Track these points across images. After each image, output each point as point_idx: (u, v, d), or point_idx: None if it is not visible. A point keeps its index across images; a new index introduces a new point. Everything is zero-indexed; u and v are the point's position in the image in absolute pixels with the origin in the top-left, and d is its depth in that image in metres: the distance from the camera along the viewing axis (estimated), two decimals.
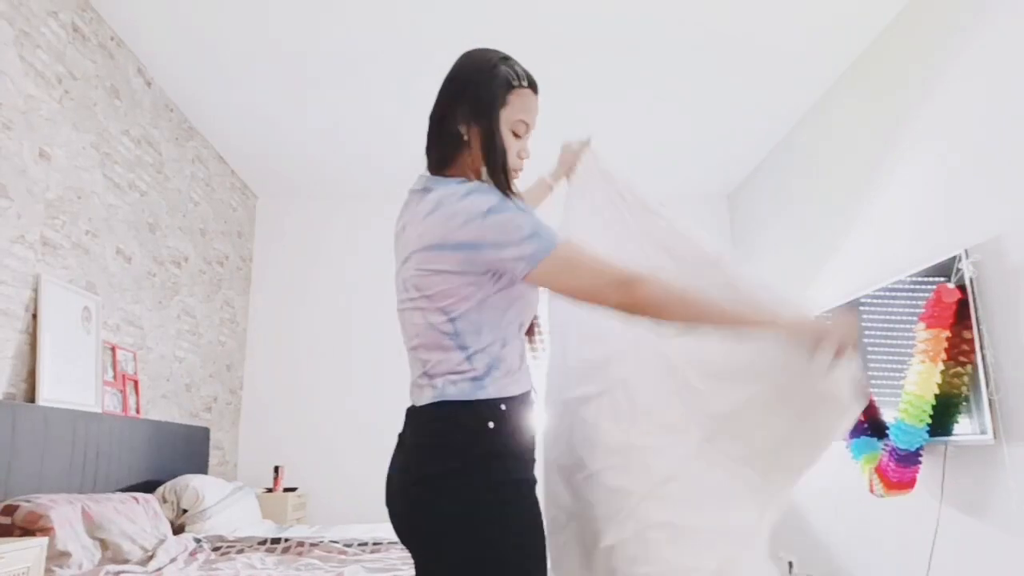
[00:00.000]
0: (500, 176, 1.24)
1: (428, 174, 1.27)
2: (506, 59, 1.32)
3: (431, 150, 1.29)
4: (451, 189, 1.19)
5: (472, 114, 1.25)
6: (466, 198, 1.17)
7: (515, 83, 1.29)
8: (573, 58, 3.30)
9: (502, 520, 1.16)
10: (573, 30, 3.09)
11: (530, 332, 1.38)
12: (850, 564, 3.34)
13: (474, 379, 1.21)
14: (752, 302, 1.20)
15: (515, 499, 1.19)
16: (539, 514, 1.23)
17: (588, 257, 1.18)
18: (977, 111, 2.51)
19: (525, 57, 3.80)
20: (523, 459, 1.24)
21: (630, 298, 1.16)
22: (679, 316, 1.18)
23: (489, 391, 1.20)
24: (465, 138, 1.25)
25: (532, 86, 1.34)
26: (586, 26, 3.07)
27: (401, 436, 1.28)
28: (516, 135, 1.30)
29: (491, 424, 1.18)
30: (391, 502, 1.26)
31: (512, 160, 1.29)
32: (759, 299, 1.21)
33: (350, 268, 4.83)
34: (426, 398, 1.22)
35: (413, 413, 1.25)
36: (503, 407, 1.21)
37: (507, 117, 1.28)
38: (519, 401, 1.25)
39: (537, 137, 3.87)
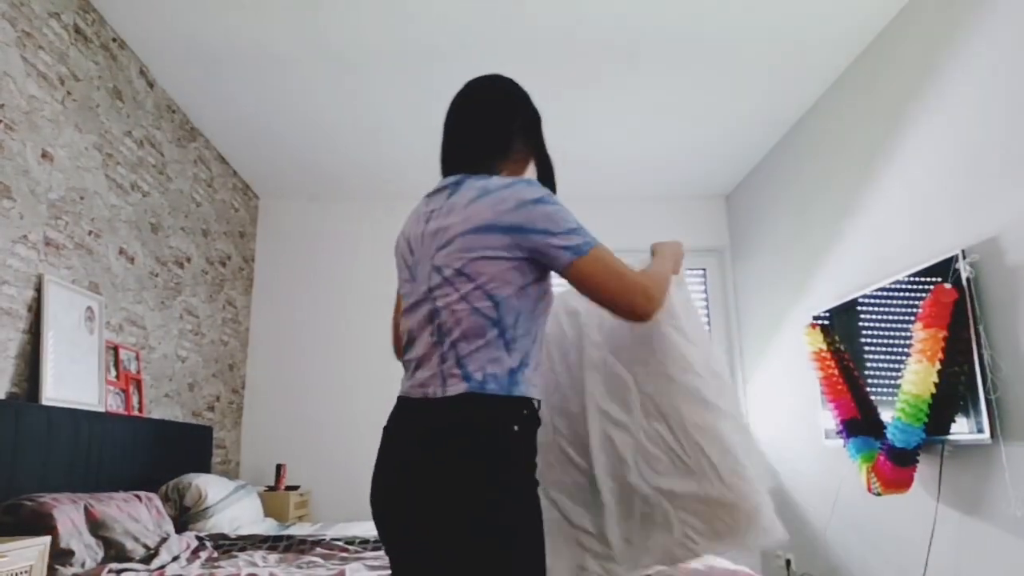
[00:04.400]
0: (549, 184, 1.41)
1: (456, 175, 1.35)
2: None
3: (480, 154, 1.37)
4: (493, 181, 1.27)
5: (526, 131, 1.40)
6: (513, 186, 1.25)
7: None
8: (571, 59, 3.31)
9: (517, 524, 1.20)
10: (571, 31, 3.10)
11: None
12: (847, 562, 3.35)
13: (511, 371, 1.24)
14: (659, 269, 1.41)
15: (529, 504, 1.23)
16: (541, 521, 1.26)
17: (620, 263, 1.27)
18: (974, 112, 2.52)
19: (523, 58, 3.83)
20: (534, 466, 1.28)
21: (652, 304, 1.26)
22: (662, 296, 1.30)
23: (521, 388, 1.25)
24: (515, 150, 1.39)
25: None
26: (584, 27, 3.08)
27: (409, 425, 1.27)
28: None
29: (516, 427, 1.22)
30: (402, 492, 1.23)
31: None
32: (659, 268, 1.42)
33: (351, 268, 4.85)
34: (457, 388, 1.22)
35: (436, 403, 1.23)
36: (525, 411, 1.25)
37: None
38: (535, 408, 1.29)
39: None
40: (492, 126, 1.38)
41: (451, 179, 1.35)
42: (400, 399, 1.33)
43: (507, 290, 1.24)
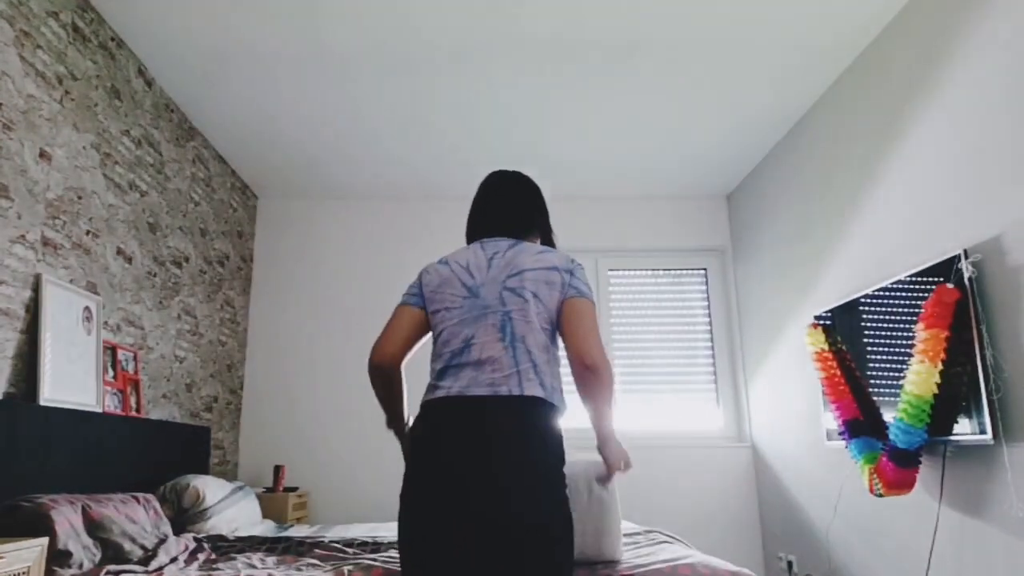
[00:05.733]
0: (551, 245, 1.91)
1: (505, 238, 1.79)
2: None
3: (519, 227, 1.82)
4: (545, 247, 1.76)
5: (543, 219, 1.89)
6: (564, 253, 1.73)
7: None
8: (572, 60, 3.30)
9: (571, 517, 1.50)
10: (571, 31, 3.09)
11: None
12: (849, 564, 3.34)
13: (561, 391, 1.61)
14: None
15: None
16: None
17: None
18: (976, 111, 2.51)
19: (523, 59, 3.81)
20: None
21: (607, 365, 1.57)
22: (608, 396, 1.62)
23: (565, 408, 1.61)
24: (536, 227, 1.87)
25: None
26: (584, 27, 3.07)
27: (475, 419, 1.48)
28: None
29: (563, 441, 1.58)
30: (476, 477, 1.42)
31: None
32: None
33: (350, 268, 4.84)
34: (534, 390, 1.52)
35: (511, 400, 1.49)
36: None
37: None
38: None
39: (538, 135, 4.02)
40: (529, 211, 1.85)
41: (505, 240, 1.75)
42: (450, 399, 1.52)
43: (556, 317, 1.63)
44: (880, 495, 2.70)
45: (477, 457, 1.42)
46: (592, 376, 1.55)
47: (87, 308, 2.82)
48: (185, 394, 3.77)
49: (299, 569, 2.37)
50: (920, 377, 2.46)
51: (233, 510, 3.27)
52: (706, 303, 4.91)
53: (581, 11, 2.96)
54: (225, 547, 2.70)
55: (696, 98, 3.69)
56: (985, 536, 2.44)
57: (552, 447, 1.48)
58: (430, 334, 1.74)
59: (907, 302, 2.76)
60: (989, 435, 2.31)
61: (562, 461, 1.51)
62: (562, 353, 1.68)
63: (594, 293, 1.68)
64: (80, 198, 2.82)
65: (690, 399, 4.74)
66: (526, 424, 1.46)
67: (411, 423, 1.78)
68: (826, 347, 3.20)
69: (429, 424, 1.50)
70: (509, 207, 1.82)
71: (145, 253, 3.36)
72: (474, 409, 1.48)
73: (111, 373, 3.00)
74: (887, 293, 2.89)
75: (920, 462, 2.59)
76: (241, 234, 4.65)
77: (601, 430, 1.68)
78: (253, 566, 2.38)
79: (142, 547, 2.41)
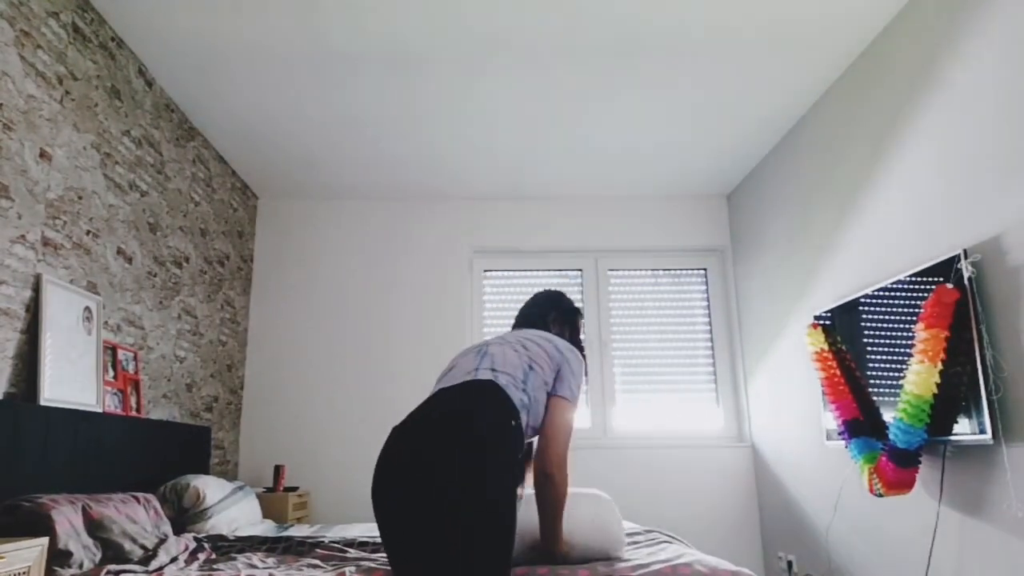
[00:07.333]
0: (578, 347, 2.28)
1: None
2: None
3: (536, 323, 2.28)
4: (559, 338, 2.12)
5: (562, 318, 2.32)
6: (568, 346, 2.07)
7: (582, 317, 2.38)
8: (572, 59, 3.30)
9: (516, 478, 1.67)
10: (572, 30, 3.09)
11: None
12: (849, 564, 3.34)
13: (522, 401, 1.83)
14: (558, 534, 1.99)
15: (520, 476, 1.72)
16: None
17: (571, 433, 1.93)
18: (975, 111, 2.51)
19: (523, 58, 3.81)
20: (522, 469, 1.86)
21: (562, 466, 1.84)
22: (556, 506, 1.87)
23: (520, 414, 1.79)
24: (551, 324, 2.30)
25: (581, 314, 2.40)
26: (585, 26, 3.08)
27: (453, 391, 1.77)
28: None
29: (514, 422, 1.74)
30: (443, 424, 1.66)
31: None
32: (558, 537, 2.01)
33: (350, 268, 4.84)
34: (485, 376, 1.80)
35: (476, 382, 1.78)
36: (519, 422, 1.77)
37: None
38: (523, 432, 1.82)
39: (538, 136, 4.05)
40: (545, 310, 2.30)
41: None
42: (427, 398, 1.81)
43: (534, 374, 1.88)
44: (880, 495, 2.70)
45: (443, 413, 1.71)
46: (547, 482, 1.82)
47: (87, 308, 2.83)
48: (185, 394, 3.78)
49: (300, 569, 2.37)
50: (920, 377, 2.46)
51: (233, 510, 3.27)
52: (706, 303, 4.91)
53: (581, 12, 2.96)
54: (225, 547, 2.70)
55: (696, 98, 3.69)
56: (985, 536, 2.44)
57: (495, 411, 1.70)
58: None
59: (907, 302, 2.76)
60: (989, 435, 2.31)
61: (506, 426, 1.69)
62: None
63: (580, 383, 2.02)
64: (80, 198, 2.83)
65: (690, 399, 4.74)
66: (468, 395, 1.74)
67: None
68: (826, 347, 3.20)
69: (410, 414, 1.79)
70: (530, 309, 2.33)
71: (145, 253, 3.36)
72: (439, 393, 1.78)
73: (111, 373, 3.00)
74: (887, 293, 2.89)
75: (920, 462, 2.59)
76: (241, 234, 4.65)
77: (545, 544, 1.91)
78: (254, 566, 2.38)
79: (142, 547, 2.41)
